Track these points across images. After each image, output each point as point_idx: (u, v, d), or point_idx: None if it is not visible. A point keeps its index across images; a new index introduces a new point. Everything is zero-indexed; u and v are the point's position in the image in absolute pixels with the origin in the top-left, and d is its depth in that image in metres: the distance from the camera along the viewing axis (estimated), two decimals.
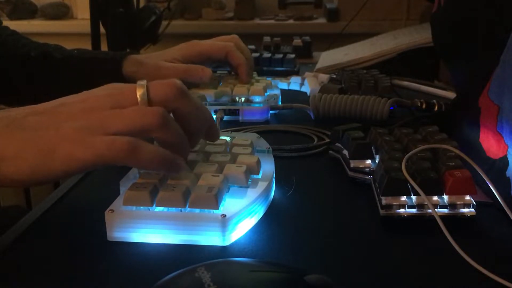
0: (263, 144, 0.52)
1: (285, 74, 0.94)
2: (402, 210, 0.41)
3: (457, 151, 0.44)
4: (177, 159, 0.39)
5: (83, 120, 0.37)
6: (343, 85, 0.79)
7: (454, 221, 0.40)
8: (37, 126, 0.37)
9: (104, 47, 1.26)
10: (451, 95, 0.77)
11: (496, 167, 0.45)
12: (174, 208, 0.38)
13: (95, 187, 0.50)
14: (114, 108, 0.38)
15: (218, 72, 0.81)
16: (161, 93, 0.39)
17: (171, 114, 0.39)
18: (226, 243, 0.38)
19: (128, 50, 0.94)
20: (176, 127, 0.39)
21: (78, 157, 0.35)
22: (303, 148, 0.59)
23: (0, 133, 0.36)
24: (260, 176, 0.45)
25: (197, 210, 0.38)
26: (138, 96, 0.38)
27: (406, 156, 0.44)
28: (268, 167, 0.47)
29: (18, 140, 0.36)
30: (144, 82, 0.39)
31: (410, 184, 0.41)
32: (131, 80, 0.69)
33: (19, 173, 0.36)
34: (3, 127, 0.37)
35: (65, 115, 0.37)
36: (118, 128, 0.36)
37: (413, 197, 0.41)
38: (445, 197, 0.41)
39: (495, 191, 0.41)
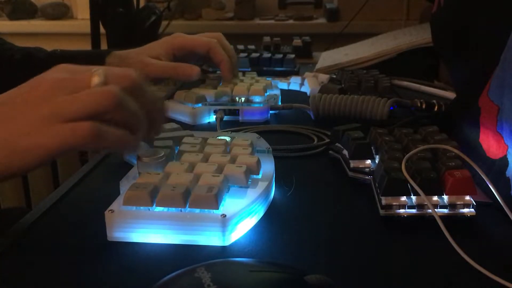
0: (263, 144, 0.52)
1: (285, 74, 0.94)
2: (402, 210, 0.41)
3: (457, 151, 0.44)
4: (136, 139, 0.39)
5: (38, 110, 0.36)
6: (343, 85, 0.79)
7: (454, 221, 0.40)
8: None
9: (104, 47, 1.26)
10: (451, 95, 0.77)
11: (496, 167, 0.45)
12: (174, 208, 0.38)
13: (95, 187, 0.50)
14: (68, 94, 0.37)
15: (218, 72, 0.81)
16: (117, 82, 0.38)
17: None
18: (226, 243, 0.38)
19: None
20: (132, 107, 0.38)
21: (42, 147, 0.36)
22: (303, 148, 0.59)
23: None
24: (260, 176, 0.45)
25: (197, 210, 0.38)
26: (92, 83, 0.38)
27: (406, 156, 0.44)
28: (268, 167, 0.47)
29: None
30: (101, 70, 0.38)
31: (410, 184, 0.41)
32: None
33: None
34: None
35: (21, 106, 0.37)
36: (74, 114, 0.36)
37: (413, 197, 0.41)
38: (445, 197, 0.41)
39: (495, 191, 0.41)
